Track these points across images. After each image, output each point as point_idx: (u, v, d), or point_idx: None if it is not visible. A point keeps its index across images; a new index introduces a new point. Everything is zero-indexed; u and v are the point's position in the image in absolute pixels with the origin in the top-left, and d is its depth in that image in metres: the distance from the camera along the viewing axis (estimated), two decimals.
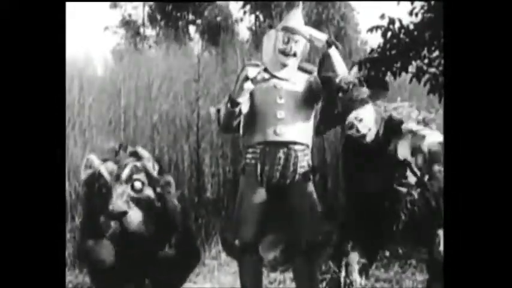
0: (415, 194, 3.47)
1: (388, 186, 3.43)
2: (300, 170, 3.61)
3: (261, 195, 3.62)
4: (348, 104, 3.42)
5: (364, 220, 3.48)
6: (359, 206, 3.52)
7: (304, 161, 3.64)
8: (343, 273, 3.51)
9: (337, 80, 3.47)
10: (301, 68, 3.74)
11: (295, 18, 3.72)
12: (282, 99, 3.64)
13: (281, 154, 3.60)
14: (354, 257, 3.55)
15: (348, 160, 3.59)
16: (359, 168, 3.48)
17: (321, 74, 3.61)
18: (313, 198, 3.64)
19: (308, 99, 3.67)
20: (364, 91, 3.46)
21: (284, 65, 3.69)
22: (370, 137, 3.45)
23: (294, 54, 3.68)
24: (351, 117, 3.42)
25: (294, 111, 3.64)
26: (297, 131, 3.62)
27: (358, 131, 3.41)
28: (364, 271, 3.57)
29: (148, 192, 3.39)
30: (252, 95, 3.66)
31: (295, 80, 3.68)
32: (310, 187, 3.65)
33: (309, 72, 3.74)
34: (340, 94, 3.43)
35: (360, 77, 3.59)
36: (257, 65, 3.61)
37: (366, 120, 3.43)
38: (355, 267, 3.54)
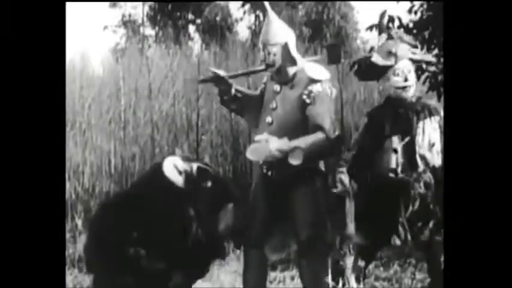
0: (427, 177, 3.48)
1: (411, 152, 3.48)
2: (300, 170, 3.63)
3: (266, 192, 3.70)
4: (404, 52, 3.57)
5: (370, 209, 3.49)
6: (367, 193, 3.54)
7: (299, 157, 3.64)
8: (340, 283, 3.52)
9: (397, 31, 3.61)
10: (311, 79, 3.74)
11: (269, 30, 3.79)
12: (275, 104, 3.71)
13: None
14: (350, 262, 3.56)
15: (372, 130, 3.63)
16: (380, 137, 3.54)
17: (382, 18, 3.85)
18: (316, 197, 3.65)
19: (304, 105, 3.68)
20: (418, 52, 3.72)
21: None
22: (411, 92, 3.53)
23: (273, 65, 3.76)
24: (402, 65, 3.51)
25: (285, 117, 3.68)
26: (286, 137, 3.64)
27: (406, 79, 3.51)
28: (360, 275, 3.57)
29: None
30: (262, 97, 3.82)
31: (297, 86, 3.72)
32: (315, 186, 3.67)
33: (316, 81, 3.74)
34: (399, 41, 3.65)
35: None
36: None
37: (413, 74, 3.56)
38: (351, 272, 3.54)
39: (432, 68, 4.99)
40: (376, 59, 3.64)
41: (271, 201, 3.70)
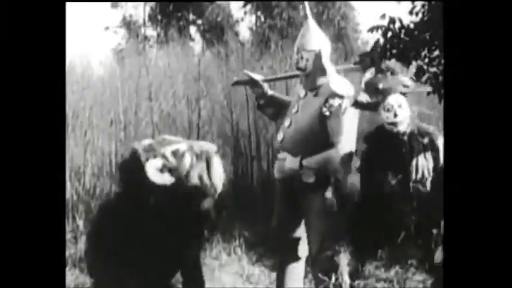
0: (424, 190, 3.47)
1: (404, 186, 3.43)
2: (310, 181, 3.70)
3: (285, 200, 3.89)
4: (393, 85, 3.44)
5: (369, 218, 3.48)
6: (369, 204, 3.52)
7: (311, 176, 3.70)
8: (333, 277, 3.54)
9: (388, 62, 3.48)
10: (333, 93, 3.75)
11: (305, 36, 3.83)
12: (297, 108, 3.77)
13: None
14: (344, 258, 3.57)
15: (370, 153, 3.56)
16: (380, 162, 3.47)
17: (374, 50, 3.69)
18: (328, 208, 3.69)
19: (322, 115, 3.72)
20: (411, 82, 3.50)
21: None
22: (403, 127, 3.44)
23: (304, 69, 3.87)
24: (391, 100, 3.42)
25: (303, 122, 3.72)
26: (297, 157, 3.70)
27: (395, 115, 3.42)
28: (355, 272, 3.58)
29: None
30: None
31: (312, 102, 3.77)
32: (327, 197, 3.70)
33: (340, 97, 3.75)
34: (389, 74, 3.46)
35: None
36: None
37: (404, 108, 3.43)
38: (346, 269, 3.55)
39: (433, 69, 4.95)
40: (362, 97, 3.56)
41: (288, 210, 3.85)
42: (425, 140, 3.48)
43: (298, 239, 3.92)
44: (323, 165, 3.67)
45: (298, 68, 3.85)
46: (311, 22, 3.90)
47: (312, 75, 3.81)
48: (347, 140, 3.71)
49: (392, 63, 3.56)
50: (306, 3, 3.99)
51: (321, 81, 3.80)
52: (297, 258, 3.92)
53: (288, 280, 3.93)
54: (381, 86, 3.47)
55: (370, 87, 3.52)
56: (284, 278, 3.94)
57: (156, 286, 3.41)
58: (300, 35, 3.91)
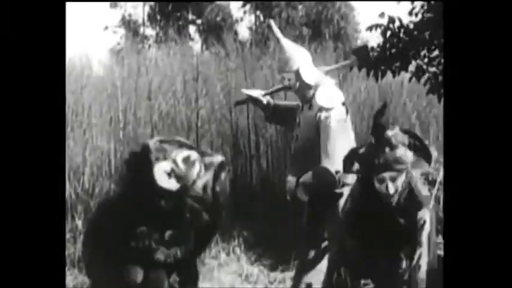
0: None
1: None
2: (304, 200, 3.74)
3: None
4: (389, 161, 3.30)
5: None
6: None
7: (304, 194, 3.75)
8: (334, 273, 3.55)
9: (389, 134, 3.34)
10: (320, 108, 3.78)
11: (281, 59, 3.92)
12: (299, 119, 3.84)
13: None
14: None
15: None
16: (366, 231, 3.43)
17: (377, 119, 3.49)
18: (338, 218, 3.71)
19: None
20: (409, 157, 3.35)
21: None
22: (395, 199, 3.34)
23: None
24: (386, 174, 3.29)
25: (305, 134, 3.76)
26: (305, 169, 3.72)
27: (387, 188, 3.31)
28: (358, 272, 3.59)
29: None
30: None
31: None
32: (338, 207, 3.72)
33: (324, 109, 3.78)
34: (387, 150, 3.31)
35: (410, 139, 3.44)
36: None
37: (398, 182, 3.33)
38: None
39: (433, 69, 4.97)
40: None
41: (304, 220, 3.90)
42: (416, 214, 3.41)
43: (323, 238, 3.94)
44: (315, 181, 3.66)
45: (287, 87, 3.93)
46: (284, 42, 3.92)
47: (300, 90, 3.87)
48: (334, 154, 3.67)
49: (395, 133, 3.41)
50: (272, 23, 4.03)
51: (310, 93, 3.84)
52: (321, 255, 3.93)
53: (308, 272, 3.91)
54: (376, 161, 3.36)
55: (364, 162, 3.36)
56: (304, 271, 3.91)
57: (154, 286, 3.42)
58: (277, 58, 3.99)
